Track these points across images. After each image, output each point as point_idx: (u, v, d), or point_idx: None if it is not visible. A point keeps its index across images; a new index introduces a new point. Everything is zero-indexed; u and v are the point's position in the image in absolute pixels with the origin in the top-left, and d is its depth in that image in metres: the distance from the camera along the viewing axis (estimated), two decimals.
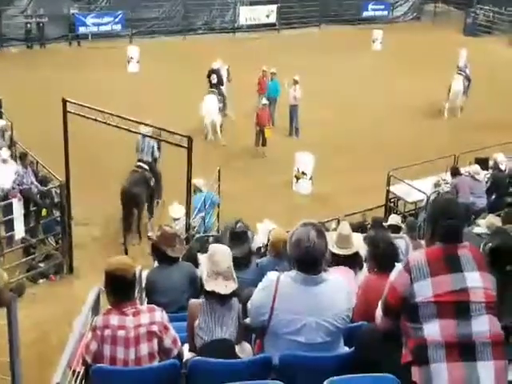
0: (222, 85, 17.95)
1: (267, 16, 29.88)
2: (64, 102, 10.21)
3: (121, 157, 15.30)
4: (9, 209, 11.02)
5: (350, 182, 15.03)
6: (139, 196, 11.75)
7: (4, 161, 11.57)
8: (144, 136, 11.72)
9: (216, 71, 17.75)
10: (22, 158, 11.60)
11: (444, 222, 3.49)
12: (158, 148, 12.55)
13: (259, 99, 18.09)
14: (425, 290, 3.38)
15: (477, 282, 3.36)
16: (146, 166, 12.24)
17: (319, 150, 15.35)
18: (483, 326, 3.30)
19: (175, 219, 10.72)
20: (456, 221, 3.53)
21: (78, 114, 10.15)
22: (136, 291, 4.40)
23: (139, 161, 12.22)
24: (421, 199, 12.33)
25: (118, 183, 12.08)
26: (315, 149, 15.31)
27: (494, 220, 8.04)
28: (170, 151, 11.37)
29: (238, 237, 6.42)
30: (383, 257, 4.75)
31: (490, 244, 3.72)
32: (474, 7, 32.62)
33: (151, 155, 12.42)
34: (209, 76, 17.64)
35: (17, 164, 11.57)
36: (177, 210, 10.99)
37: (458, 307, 3.32)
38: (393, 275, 3.61)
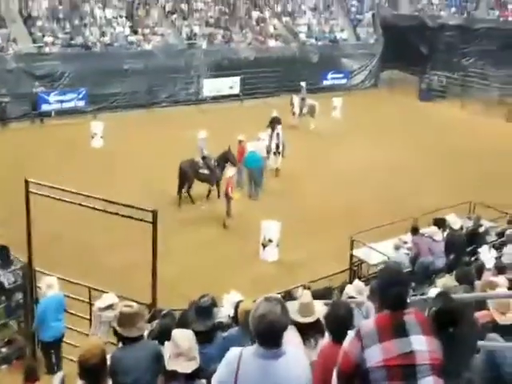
0: None
1: (231, 87, 30.72)
2: (26, 182, 9.97)
3: (86, 235, 15.23)
4: None
5: (315, 246, 15.21)
6: (186, 173, 17.99)
7: None
8: (200, 139, 18.63)
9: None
10: None
11: (390, 291, 3.70)
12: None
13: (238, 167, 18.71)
14: (375, 356, 3.54)
15: (422, 345, 3.54)
16: (199, 159, 18.46)
17: (283, 217, 15.56)
18: None
19: (101, 309, 8.55)
20: (401, 288, 3.75)
21: (41, 195, 9.89)
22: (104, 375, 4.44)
23: (198, 155, 18.59)
24: (383, 261, 12.53)
25: (86, 261, 12.05)
26: (279, 215, 15.54)
27: (449, 281, 8.25)
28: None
29: (203, 311, 6.45)
30: (338, 325, 4.87)
31: (434, 308, 3.93)
32: (428, 73, 33.99)
33: (202, 152, 18.56)
34: None
35: None
36: (108, 298, 8.67)
37: (405, 370, 3.48)
38: (346, 343, 3.77)
